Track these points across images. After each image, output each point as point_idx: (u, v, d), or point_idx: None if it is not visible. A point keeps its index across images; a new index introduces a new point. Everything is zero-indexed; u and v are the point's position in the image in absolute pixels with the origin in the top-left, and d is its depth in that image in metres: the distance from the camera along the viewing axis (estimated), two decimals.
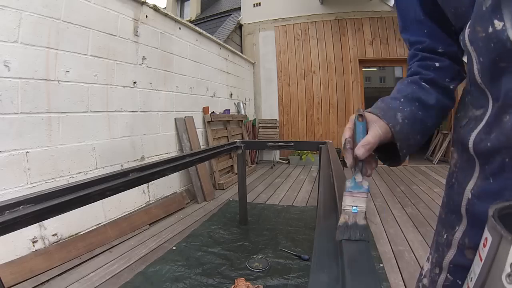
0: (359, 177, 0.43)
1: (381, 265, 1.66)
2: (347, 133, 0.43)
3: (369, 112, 0.45)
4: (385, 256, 1.77)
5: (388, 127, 0.42)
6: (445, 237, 0.44)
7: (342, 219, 0.44)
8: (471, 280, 0.25)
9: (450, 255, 0.42)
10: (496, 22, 0.31)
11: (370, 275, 0.33)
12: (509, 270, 0.20)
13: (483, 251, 0.23)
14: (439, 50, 0.48)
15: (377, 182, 3.76)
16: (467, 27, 0.36)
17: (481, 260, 0.23)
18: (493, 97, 0.35)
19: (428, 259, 0.50)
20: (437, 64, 0.48)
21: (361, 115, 0.43)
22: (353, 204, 0.43)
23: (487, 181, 0.35)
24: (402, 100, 0.46)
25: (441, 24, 0.47)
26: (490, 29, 0.32)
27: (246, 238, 2.08)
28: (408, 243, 1.95)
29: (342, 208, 0.44)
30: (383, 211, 2.62)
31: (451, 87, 0.48)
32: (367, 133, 0.42)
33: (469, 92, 0.41)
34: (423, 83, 0.48)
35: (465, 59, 0.43)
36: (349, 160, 0.42)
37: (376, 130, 0.42)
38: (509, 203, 0.21)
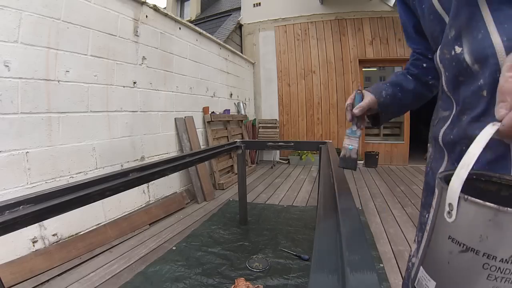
0: (354, 127, 0.69)
1: (381, 265, 1.66)
2: (349, 100, 0.67)
3: (365, 90, 0.68)
4: (385, 256, 1.77)
5: (375, 99, 0.66)
6: (425, 216, 0.54)
7: (342, 152, 0.70)
8: (428, 225, 0.32)
9: None
10: (456, 47, 0.42)
11: (370, 275, 0.33)
12: (447, 209, 0.28)
13: (434, 203, 0.31)
14: (429, 56, 0.64)
15: (377, 182, 3.76)
16: (438, 50, 0.48)
17: (432, 208, 0.32)
18: (455, 102, 0.46)
19: (415, 240, 0.61)
20: (424, 65, 0.65)
21: (359, 90, 0.67)
22: (350, 143, 0.70)
23: (453, 166, 0.46)
24: (388, 84, 0.69)
25: (427, 37, 0.61)
26: (453, 52, 0.43)
27: (246, 238, 2.08)
28: (408, 243, 1.95)
29: (343, 145, 0.71)
30: (383, 211, 2.62)
31: (430, 82, 0.66)
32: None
33: (439, 98, 0.54)
34: (408, 76, 0.68)
35: None
36: (348, 116, 0.67)
37: (368, 99, 0.66)
38: (451, 172, 0.29)
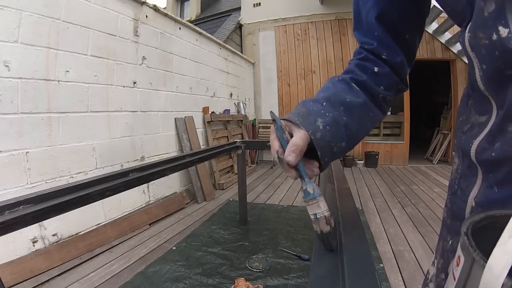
0: (304, 185, 0.41)
1: (381, 265, 1.66)
2: (275, 144, 0.40)
3: (286, 120, 0.41)
4: (385, 256, 1.77)
5: (307, 136, 0.39)
6: (450, 243, 0.42)
7: (314, 228, 0.43)
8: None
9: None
10: (501, 28, 0.29)
11: (370, 275, 0.33)
12: None
13: (456, 270, 0.21)
14: (383, 56, 0.46)
15: (377, 182, 3.76)
16: (467, 31, 0.34)
17: (454, 279, 0.21)
18: (497, 105, 0.33)
19: (433, 263, 0.48)
20: (375, 69, 0.46)
21: (273, 119, 0.41)
22: (312, 212, 0.42)
23: (492, 190, 0.33)
24: (324, 104, 0.43)
25: (392, 30, 0.46)
26: (495, 36, 0.30)
27: (246, 238, 2.08)
28: (408, 243, 1.95)
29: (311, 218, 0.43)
30: (383, 211, 2.62)
31: (381, 95, 0.47)
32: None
33: (470, 96, 0.40)
34: (353, 84, 0.46)
35: (465, 60, 0.41)
36: (289, 172, 0.40)
37: (299, 135, 0.39)
38: (486, 215, 0.19)
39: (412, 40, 0.48)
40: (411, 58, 0.50)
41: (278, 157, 0.40)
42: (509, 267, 0.16)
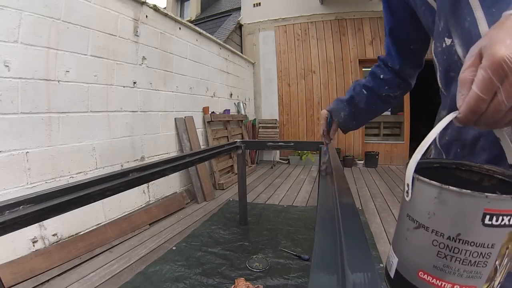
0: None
1: (381, 265, 1.66)
2: (324, 124, 0.82)
3: (327, 110, 0.81)
4: (385, 256, 1.77)
5: (336, 122, 0.80)
6: None
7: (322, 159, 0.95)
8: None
9: None
10: (446, 39, 0.39)
11: (370, 275, 0.33)
12: (406, 189, 0.31)
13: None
14: (389, 64, 0.66)
15: (377, 182, 3.76)
16: (433, 43, 0.45)
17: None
18: (449, 99, 0.42)
19: None
20: (381, 76, 0.68)
21: (331, 115, 0.82)
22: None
23: None
24: (345, 103, 0.76)
25: (398, 43, 0.63)
26: (444, 45, 0.40)
27: (246, 238, 2.08)
28: None
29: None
30: (383, 211, 2.62)
31: (384, 94, 0.69)
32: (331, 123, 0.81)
33: (441, 97, 0.49)
34: (363, 90, 0.72)
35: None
36: (327, 139, 0.84)
37: (335, 125, 0.80)
38: (422, 160, 0.31)
39: (417, 49, 0.63)
40: (416, 63, 0.66)
41: (323, 133, 0.83)
42: (414, 166, 0.29)
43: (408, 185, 0.31)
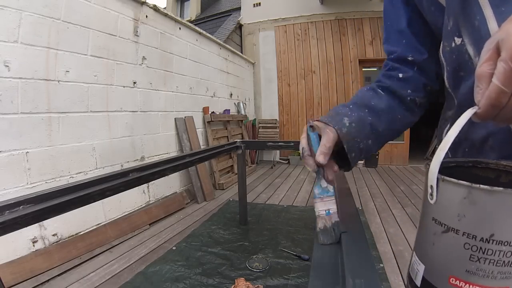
0: (323, 183, 0.46)
1: (381, 265, 1.66)
2: (303, 142, 0.46)
3: (318, 121, 0.47)
4: (385, 256, 1.77)
5: (335, 130, 0.44)
6: None
7: (320, 224, 0.47)
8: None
9: None
10: (456, 38, 0.38)
11: (370, 275, 0.33)
12: (429, 191, 0.29)
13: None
14: (409, 58, 0.51)
15: (377, 182, 3.76)
16: (442, 42, 0.43)
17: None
18: (456, 99, 0.41)
19: None
20: (400, 75, 0.51)
21: (311, 126, 0.46)
22: (325, 208, 0.47)
23: None
24: (351, 106, 0.49)
25: (420, 35, 0.51)
26: (453, 44, 0.39)
27: (246, 238, 2.08)
28: (408, 243, 1.95)
29: (317, 214, 0.47)
30: (383, 211, 2.62)
31: (409, 98, 0.50)
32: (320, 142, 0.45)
33: (446, 97, 0.47)
34: (379, 90, 0.52)
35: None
36: (311, 166, 0.45)
37: (329, 134, 0.44)
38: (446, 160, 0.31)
39: (438, 41, 0.53)
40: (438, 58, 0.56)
41: (302, 153, 0.46)
42: (438, 167, 0.28)
43: (432, 187, 0.29)
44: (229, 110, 4.19)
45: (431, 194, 0.29)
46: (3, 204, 0.67)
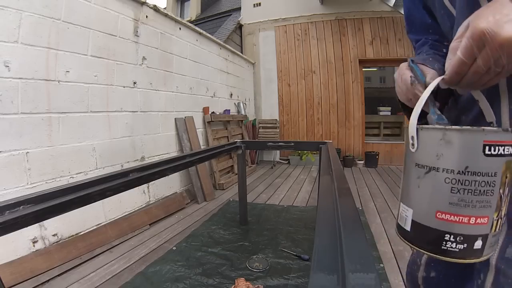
0: (437, 110, 0.42)
1: (381, 265, 1.66)
2: (407, 73, 0.45)
3: (420, 63, 0.47)
4: (385, 256, 1.77)
5: (435, 72, 0.45)
6: None
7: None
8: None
9: None
10: None
11: (370, 275, 0.33)
12: (411, 142, 0.35)
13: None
14: (445, 43, 0.53)
15: (377, 182, 3.76)
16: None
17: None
18: (460, 100, 0.48)
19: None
20: (445, 50, 0.49)
21: (412, 60, 0.46)
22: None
23: None
24: (430, 59, 0.49)
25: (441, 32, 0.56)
26: None
27: (246, 238, 2.08)
28: None
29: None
30: (383, 211, 2.62)
31: None
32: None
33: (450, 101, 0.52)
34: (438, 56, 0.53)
35: None
36: (421, 92, 0.41)
37: (431, 70, 0.44)
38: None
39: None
40: None
41: (411, 82, 0.45)
42: (416, 119, 0.34)
43: (412, 137, 0.34)
44: (229, 110, 4.19)
45: (413, 144, 0.35)
46: (3, 204, 0.67)
